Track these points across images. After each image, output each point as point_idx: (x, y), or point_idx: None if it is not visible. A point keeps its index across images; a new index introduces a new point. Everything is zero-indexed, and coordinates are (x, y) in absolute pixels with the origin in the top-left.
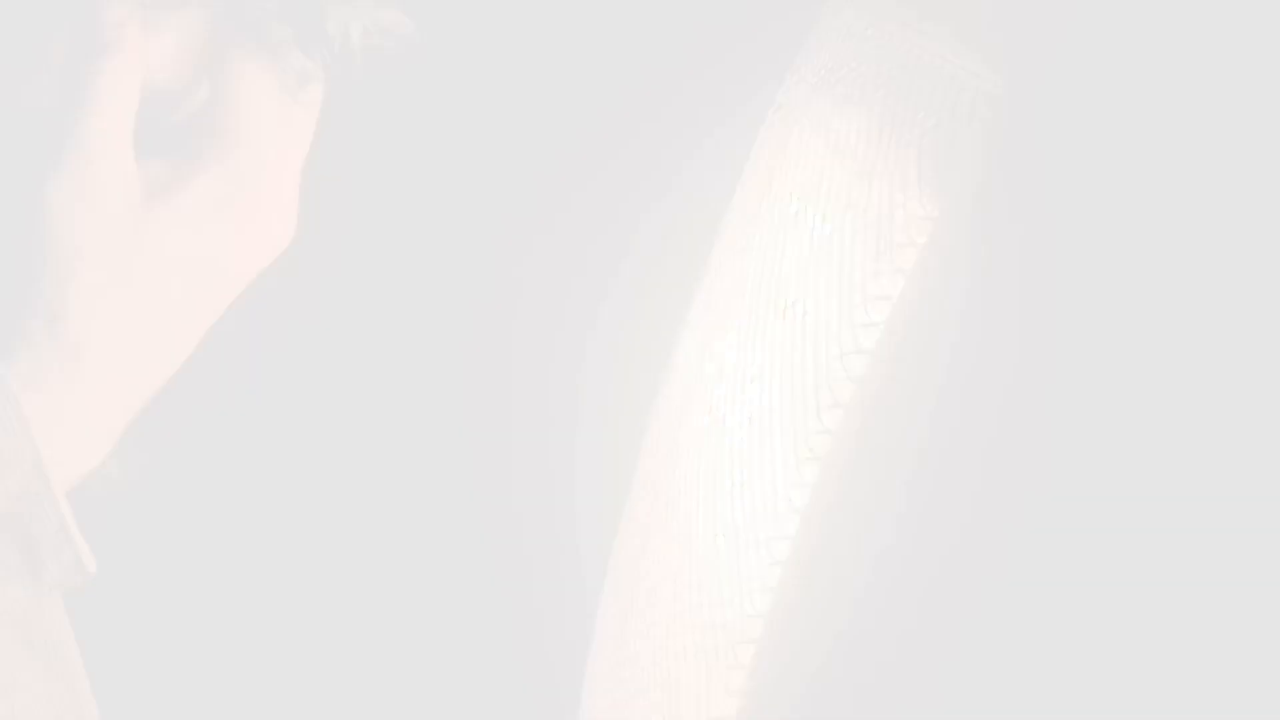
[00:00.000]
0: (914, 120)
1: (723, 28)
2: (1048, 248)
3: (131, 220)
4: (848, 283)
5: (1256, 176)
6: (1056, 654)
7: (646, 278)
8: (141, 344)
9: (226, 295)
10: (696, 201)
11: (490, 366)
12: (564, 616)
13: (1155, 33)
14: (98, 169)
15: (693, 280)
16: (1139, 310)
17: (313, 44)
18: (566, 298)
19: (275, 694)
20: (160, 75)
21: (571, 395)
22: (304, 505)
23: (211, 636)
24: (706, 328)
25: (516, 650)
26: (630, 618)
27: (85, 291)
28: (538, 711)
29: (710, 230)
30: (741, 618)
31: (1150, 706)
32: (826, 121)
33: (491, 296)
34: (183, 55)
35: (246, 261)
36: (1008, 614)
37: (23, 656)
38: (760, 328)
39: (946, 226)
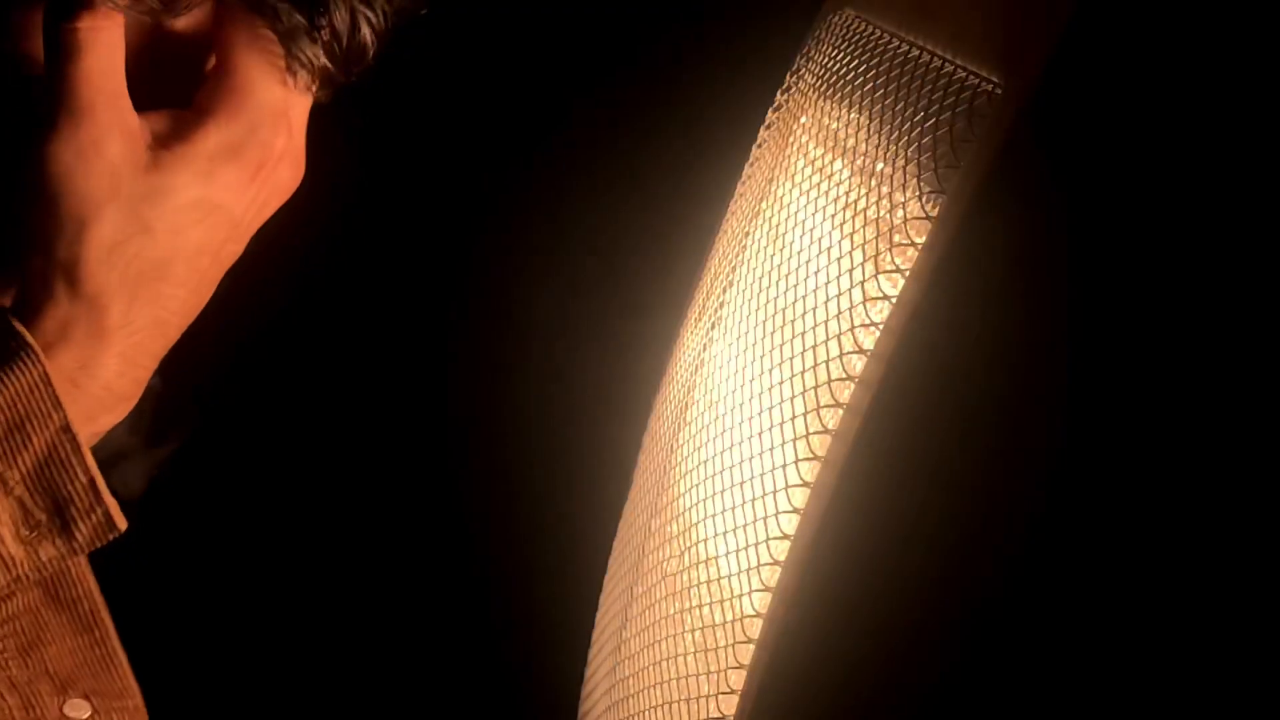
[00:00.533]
0: (914, 120)
1: (723, 28)
2: (1048, 247)
3: (140, 170)
4: (848, 282)
5: (1258, 177)
6: (1056, 655)
7: (647, 277)
8: (162, 292)
9: (241, 240)
10: (697, 201)
11: (489, 366)
12: (564, 616)
13: (1155, 31)
14: (96, 121)
15: (693, 280)
16: (1140, 310)
17: (322, 36)
18: (568, 298)
19: (288, 665)
20: (169, 58)
21: (572, 394)
22: (300, 483)
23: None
24: (706, 327)
25: (517, 650)
26: (630, 617)
27: (101, 243)
28: (538, 711)
29: (710, 230)
30: (741, 618)
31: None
32: (826, 122)
33: (491, 295)
34: (192, 38)
35: (259, 207)
36: (1008, 615)
37: (51, 613)
38: (761, 328)
39: (946, 226)
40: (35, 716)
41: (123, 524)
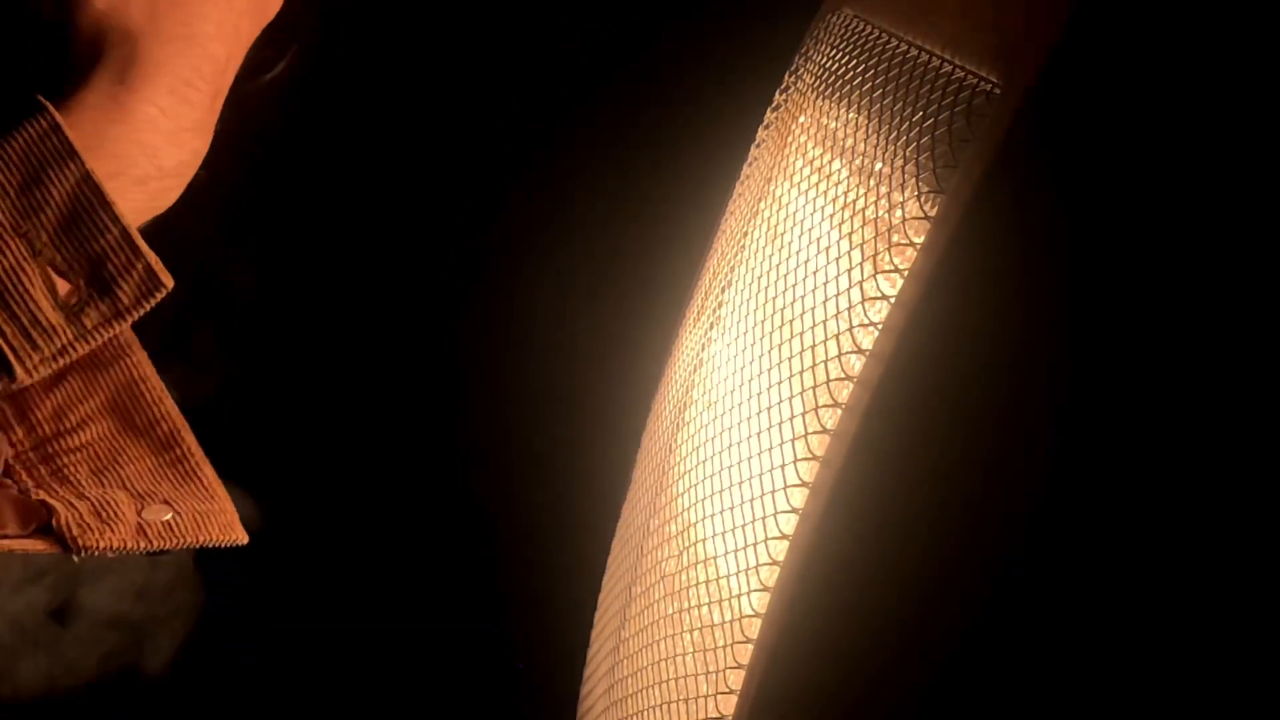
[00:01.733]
0: (913, 120)
1: (722, 28)
2: (1047, 247)
3: None
4: (846, 282)
5: (1258, 177)
6: (1055, 654)
7: (645, 277)
8: (190, 12)
9: None
10: (695, 201)
11: (488, 365)
12: (564, 616)
13: (1153, 31)
14: None
15: (691, 280)
16: (1140, 309)
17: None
18: (567, 297)
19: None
20: None
21: (571, 394)
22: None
23: None
24: (705, 327)
25: (516, 650)
26: (629, 617)
27: None
28: (537, 711)
29: (709, 230)
30: (740, 618)
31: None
32: (825, 122)
33: (489, 295)
34: None
35: None
36: (1007, 614)
37: (129, 439)
38: (760, 328)
39: (945, 226)
40: (107, 519)
41: (168, 280)
